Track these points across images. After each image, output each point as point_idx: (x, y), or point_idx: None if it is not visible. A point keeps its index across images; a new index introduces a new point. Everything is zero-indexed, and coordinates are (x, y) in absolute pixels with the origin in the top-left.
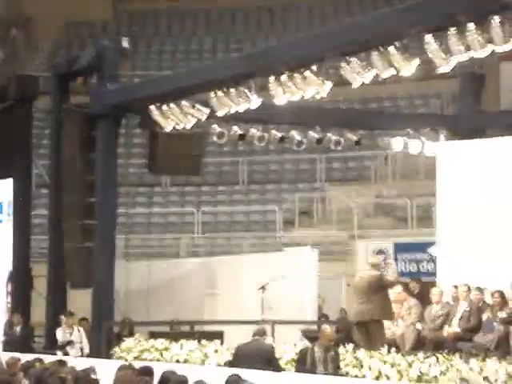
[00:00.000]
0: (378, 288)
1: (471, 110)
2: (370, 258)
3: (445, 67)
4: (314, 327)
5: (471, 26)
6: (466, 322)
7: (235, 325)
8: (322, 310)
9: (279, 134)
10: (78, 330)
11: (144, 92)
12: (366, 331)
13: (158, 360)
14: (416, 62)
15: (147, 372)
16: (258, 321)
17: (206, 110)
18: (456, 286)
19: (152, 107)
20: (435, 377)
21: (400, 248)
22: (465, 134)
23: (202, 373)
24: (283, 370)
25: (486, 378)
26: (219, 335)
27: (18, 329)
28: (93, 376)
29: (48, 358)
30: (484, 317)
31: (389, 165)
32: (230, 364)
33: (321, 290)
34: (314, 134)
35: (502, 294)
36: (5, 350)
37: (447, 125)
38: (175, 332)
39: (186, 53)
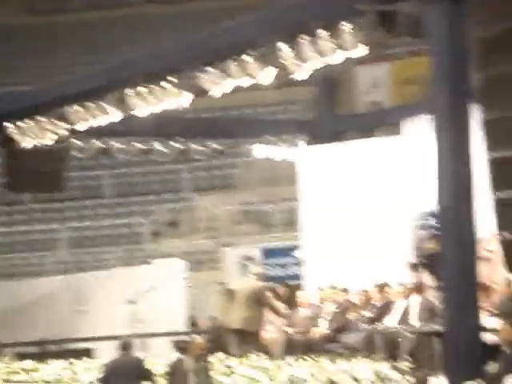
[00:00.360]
0: (259, 298)
1: (328, 114)
2: (253, 267)
3: (300, 74)
4: (186, 338)
5: (322, 32)
6: (334, 322)
7: (104, 341)
8: (194, 320)
9: (142, 146)
10: None
11: None
12: (242, 339)
13: (27, 382)
14: (273, 70)
15: None
16: (127, 335)
17: (66, 125)
18: (322, 288)
19: (8, 124)
20: (305, 379)
21: (267, 253)
22: (323, 138)
23: None
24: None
25: (354, 378)
26: (89, 352)
27: None
28: None
29: None
30: (350, 317)
31: (252, 172)
32: (100, 382)
33: (191, 300)
34: (177, 145)
35: (366, 294)
36: None
37: (306, 130)
38: (44, 352)
39: (44, 68)
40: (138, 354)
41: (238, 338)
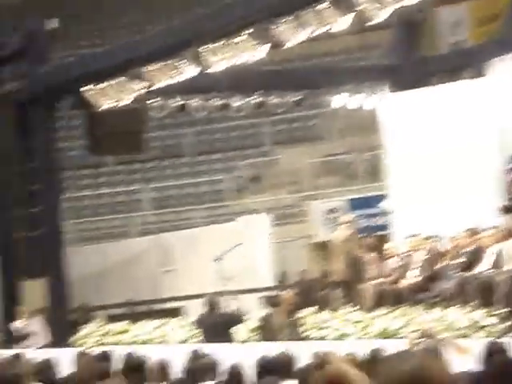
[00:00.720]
0: (354, 247)
1: (410, 58)
2: (343, 217)
3: (378, 18)
4: (274, 293)
5: None
6: (424, 271)
7: (193, 299)
8: (282, 275)
9: (220, 102)
10: (36, 321)
11: (77, 71)
12: (343, 290)
13: (119, 343)
14: (350, 15)
15: (105, 357)
16: (214, 293)
17: (143, 85)
18: (411, 237)
19: (86, 86)
20: (397, 330)
21: (353, 204)
22: (407, 82)
23: (164, 352)
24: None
25: (448, 327)
26: (178, 312)
27: None
28: (52, 367)
29: (6, 353)
30: (441, 265)
31: (333, 122)
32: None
33: (278, 255)
34: (255, 98)
35: (457, 240)
36: None
37: (389, 76)
38: (134, 313)
39: (116, 29)
40: (226, 310)
41: (338, 289)
